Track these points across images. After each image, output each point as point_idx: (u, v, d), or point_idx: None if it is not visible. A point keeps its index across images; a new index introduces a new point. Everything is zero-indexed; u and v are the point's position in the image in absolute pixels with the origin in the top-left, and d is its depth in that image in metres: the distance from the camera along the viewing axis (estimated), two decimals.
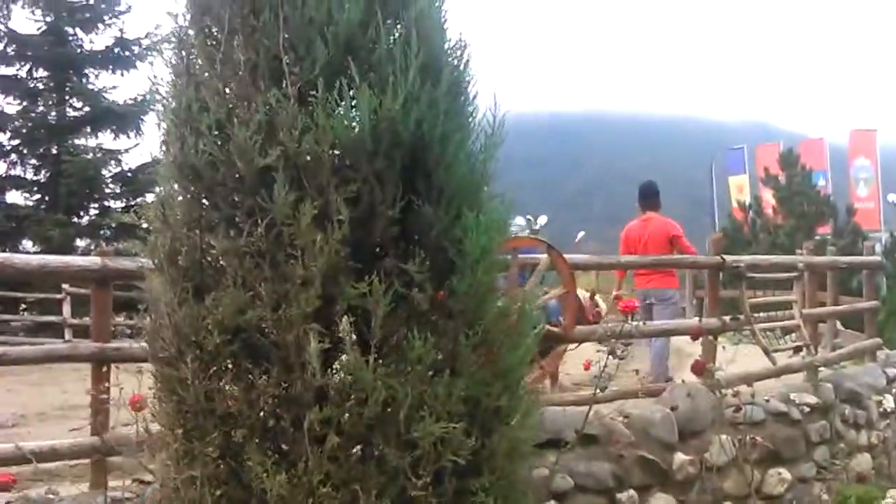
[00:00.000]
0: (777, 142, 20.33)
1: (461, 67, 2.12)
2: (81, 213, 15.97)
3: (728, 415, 5.91)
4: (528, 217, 17.01)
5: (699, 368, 5.91)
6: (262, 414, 1.91)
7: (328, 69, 1.88)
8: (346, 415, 1.88)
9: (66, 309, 13.07)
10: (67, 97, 16.25)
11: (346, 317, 1.85)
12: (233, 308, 1.91)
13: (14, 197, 16.21)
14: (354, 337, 1.87)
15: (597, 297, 9.26)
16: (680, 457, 5.71)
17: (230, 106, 1.94)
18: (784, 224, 15.07)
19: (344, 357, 1.85)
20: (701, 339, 6.57)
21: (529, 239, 5.78)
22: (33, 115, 16.19)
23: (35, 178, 16.33)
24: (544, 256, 5.86)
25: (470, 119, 2.12)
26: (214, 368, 1.92)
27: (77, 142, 16.34)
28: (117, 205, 16.42)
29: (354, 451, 1.91)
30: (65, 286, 13.20)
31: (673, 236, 7.23)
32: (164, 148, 2.07)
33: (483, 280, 2.01)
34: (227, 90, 1.96)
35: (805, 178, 15.69)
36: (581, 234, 15.97)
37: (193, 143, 1.93)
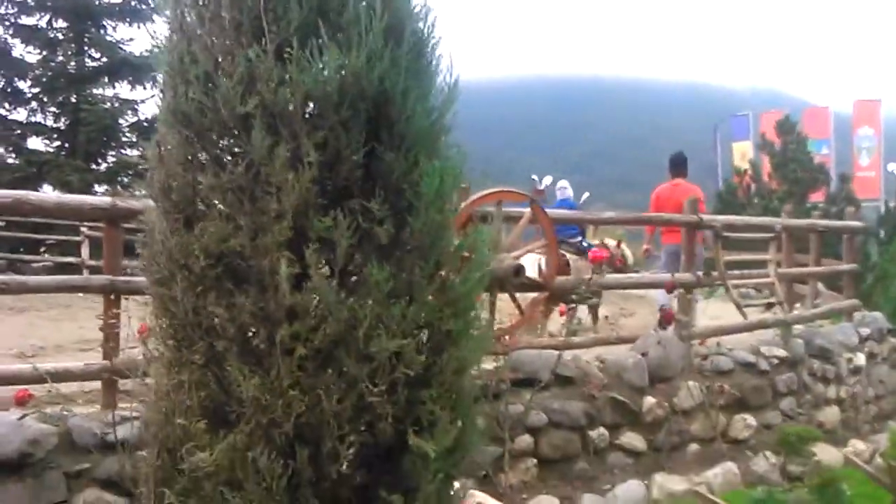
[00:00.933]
0: (783, 109, 20.41)
1: (425, 30, 2.38)
2: (99, 161, 16.36)
3: (697, 363, 6.25)
4: (534, 177, 17.20)
5: (668, 318, 6.24)
6: (240, 328, 2.21)
7: (302, 29, 2.16)
8: (312, 331, 2.19)
9: (85, 251, 13.49)
10: (86, 47, 16.55)
11: (313, 246, 2.14)
12: (217, 237, 2.21)
13: (35, 143, 16.62)
14: (321, 265, 2.17)
15: (622, 245, 9.82)
16: (650, 400, 6.08)
17: (216, 59, 2.22)
18: (777, 190, 15.29)
19: (311, 282, 2.15)
20: (675, 292, 6.89)
21: (512, 193, 6.04)
22: (53, 64, 16.49)
23: (55, 125, 16.71)
24: (527, 210, 6.15)
25: (432, 78, 2.39)
26: (200, 288, 2.22)
27: (95, 91, 16.64)
28: (134, 153, 16.78)
29: (319, 361, 2.22)
30: (83, 229, 13.61)
31: (696, 199, 7.91)
32: (161, 95, 2.36)
33: (437, 218, 2.31)
34: (214, 45, 2.23)
35: (800, 145, 15.85)
36: (586, 194, 16.23)
37: (184, 92, 2.22)
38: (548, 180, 16.61)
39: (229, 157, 2.23)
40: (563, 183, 10.48)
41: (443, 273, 2.38)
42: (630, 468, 6.00)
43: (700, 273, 7.18)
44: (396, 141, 2.29)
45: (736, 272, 8.03)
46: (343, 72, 2.17)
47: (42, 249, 15.66)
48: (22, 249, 14.95)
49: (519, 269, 5.71)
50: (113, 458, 4.14)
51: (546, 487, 5.48)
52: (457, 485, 2.55)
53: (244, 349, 2.25)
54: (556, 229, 9.29)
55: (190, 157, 2.31)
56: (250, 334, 2.24)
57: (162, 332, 2.38)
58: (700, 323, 7.01)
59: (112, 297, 4.45)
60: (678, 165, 8.94)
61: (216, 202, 2.25)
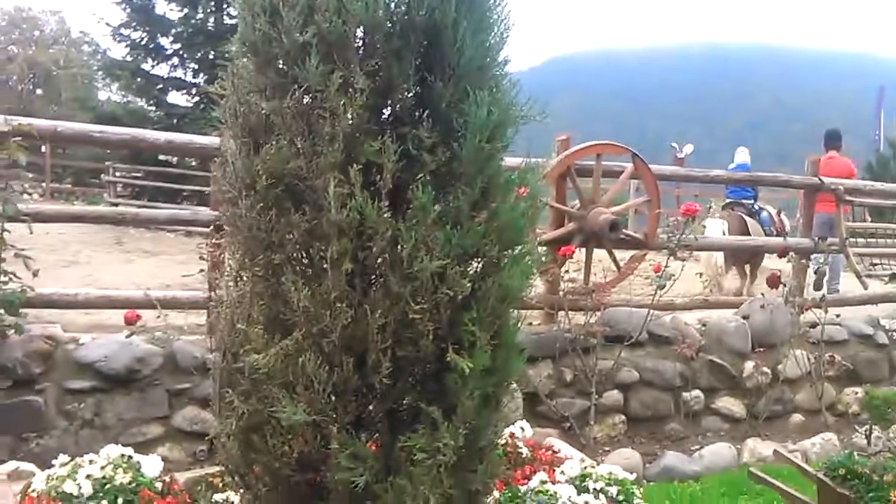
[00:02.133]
0: None
1: None
2: None
3: (806, 331, 6.04)
4: (674, 145, 16.82)
5: (774, 281, 6.05)
6: (296, 243, 2.38)
7: None
8: (359, 248, 2.33)
9: None
10: (224, 5, 17.28)
11: (358, 167, 2.28)
12: (279, 158, 2.38)
13: (175, 97, 17.63)
14: (368, 186, 2.31)
15: (782, 214, 9.97)
16: (751, 365, 5.93)
17: None
18: None
19: (356, 201, 2.29)
20: (788, 257, 6.66)
21: (614, 146, 5.99)
22: (193, 21, 17.38)
23: (194, 80, 17.62)
24: (629, 165, 6.09)
25: (485, 13, 2.47)
26: (262, 206, 2.40)
27: (232, 48, 17.41)
28: None
29: (365, 277, 2.37)
30: None
31: (850, 171, 8.73)
32: (237, 27, 2.55)
33: (484, 147, 2.39)
34: None
35: None
36: (690, 147, 15.82)
37: (252, 23, 2.39)
38: (688, 149, 16.23)
39: (290, 84, 2.39)
40: (741, 149, 10.72)
41: (490, 202, 2.47)
42: (726, 433, 5.92)
43: (818, 238, 6.91)
44: (446, 71, 2.39)
45: (861, 240, 7.65)
46: (395, 3, 2.28)
47: (179, 200, 16.71)
48: (163, 199, 15.99)
49: (615, 224, 5.69)
50: (211, 381, 4.49)
51: (633, 444, 5.49)
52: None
53: (299, 263, 2.42)
54: (733, 191, 9.62)
55: (257, 85, 2.49)
56: (303, 249, 2.40)
57: (231, 247, 2.60)
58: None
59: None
60: (832, 140, 9.50)
61: (279, 126, 2.42)
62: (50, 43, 39.54)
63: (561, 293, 5.59)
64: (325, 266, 2.34)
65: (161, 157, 17.66)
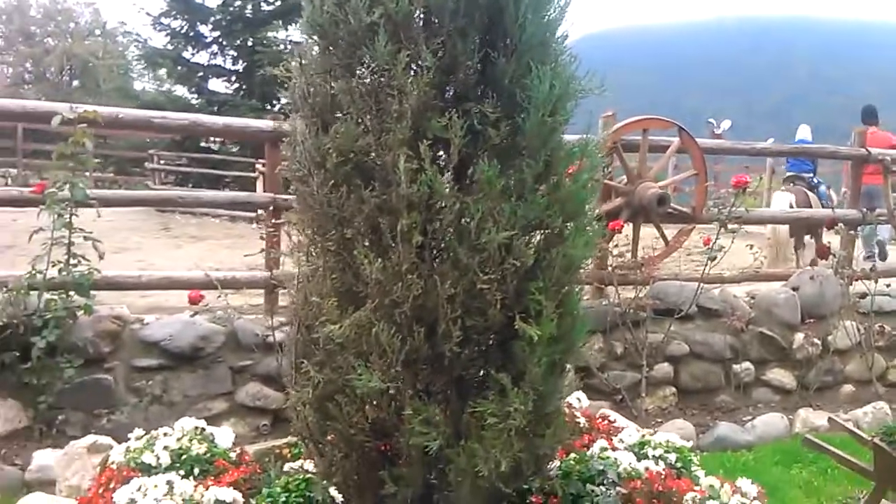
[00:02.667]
0: None
1: None
2: (273, 101, 17.31)
3: (856, 302, 6.02)
4: (711, 120, 16.64)
5: (824, 252, 6.03)
6: (367, 218, 2.47)
7: None
8: (428, 221, 2.42)
9: (260, 186, 14.52)
10: None
11: (427, 143, 2.35)
12: (348, 137, 2.46)
13: (215, 84, 17.84)
14: (434, 160, 2.38)
15: (830, 189, 10.07)
16: (801, 337, 5.93)
17: None
18: None
19: (425, 176, 2.36)
20: (836, 228, 6.63)
21: (660, 120, 5.99)
22: (232, 8, 17.53)
23: (233, 67, 17.82)
24: (676, 139, 6.08)
25: None
26: (333, 183, 2.49)
27: (269, 34, 17.61)
28: None
29: (435, 250, 2.45)
30: (258, 166, 14.69)
31: (891, 144, 8.88)
32: (303, 10, 2.63)
33: (547, 121, 2.45)
34: None
35: None
36: (728, 122, 15.67)
37: (319, 4, 2.47)
38: (726, 125, 16.07)
39: (358, 64, 2.47)
40: (803, 126, 10.90)
41: (553, 174, 2.53)
42: (776, 405, 5.94)
43: (866, 209, 6.86)
44: (509, 47, 2.45)
45: None
46: None
47: (222, 186, 16.95)
48: (205, 185, 16.24)
49: (663, 199, 5.71)
50: (271, 358, 4.65)
51: (684, 416, 5.53)
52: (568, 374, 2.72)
53: (370, 237, 2.51)
54: (793, 164, 9.74)
55: (324, 66, 2.57)
56: (374, 223, 2.49)
57: (302, 223, 2.69)
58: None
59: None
60: (869, 116, 9.93)
61: (347, 105, 2.50)
62: (85, 34, 40.12)
63: (609, 268, 5.63)
64: (395, 239, 2.43)
65: (203, 144, 17.97)
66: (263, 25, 17.43)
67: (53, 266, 4.31)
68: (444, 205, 2.40)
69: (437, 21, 2.41)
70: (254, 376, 4.70)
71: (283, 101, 17.32)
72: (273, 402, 4.67)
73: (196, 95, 17.46)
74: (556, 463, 2.98)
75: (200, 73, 17.75)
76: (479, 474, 2.44)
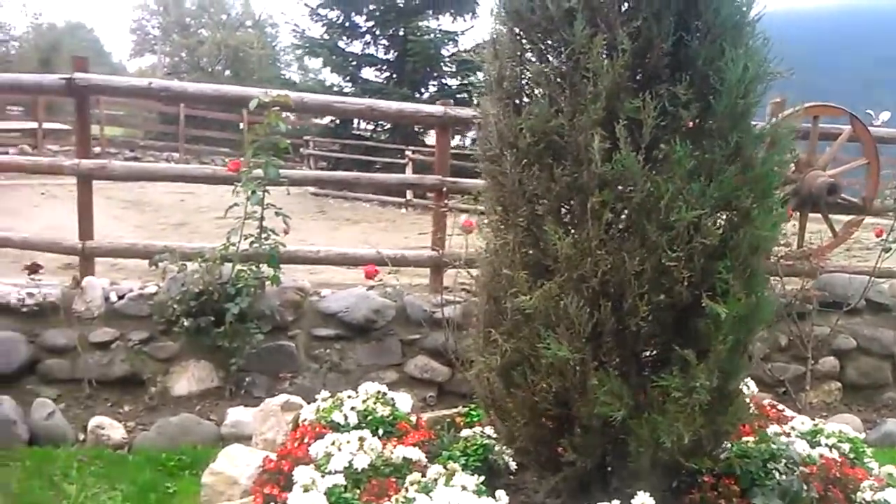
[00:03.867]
0: None
1: None
2: (423, 89, 17.70)
3: None
4: (869, 111, 15.73)
5: None
6: (557, 195, 2.59)
7: None
8: (619, 199, 2.51)
9: (409, 171, 14.96)
10: None
11: (622, 122, 2.44)
12: (541, 118, 2.58)
13: (368, 73, 18.41)
14: (628, 140, 2.47)
15: None
16: None
17: None
18: None
19: (619, 155, 2.45)
20: None
21: (831, 107, 5.79)
22: None
23: (385, 56, 18.34)
24: (847, 127, 5.86)
25: None
26: (525, 161, 2.62)
27: (421, 23, 18.02)
28: (453, 82, 17.97)
29: (624, 227, 2.54)
30: (408, 152, 15.16)
31: None
32: None
33: (738, 103, 2.49)
34: None
35: None
36: (884, 113, 14.72)
37: None
38: (885, 116, 15.16)
39: (552, 48, 2.59)
40: None
41: (742, 155, 2.56)
42: None
43: None
44: (703, 30, 2.50)
45: None
46: None
47: (373, 171, 17.54)
48: (353, 170, 16.85)
49: (833, 188, 5.52)
50: (438, 333, 4.86)
51: (849, 411, 5.37)
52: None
53: (559, 213, 2.63)
54: None
55: (518, 51, 2.70)
56: (564, 201, 2.60)
57: (491, 201, 2.84)
58: None
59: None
60: None
61: (540, 88, 2.62)
62: (237, 25, 42.14)
63: (774, 258, 5.50)
64: (584, 216, 2.53)
65: (354, 132, 18.63)
66: (415, 15, 17.85)
67: (245, 239, 4.66)
68: (634, 183, 2.48)
69: (633, 5, 2.49)
70: (422, 350, 4.93)
71: (433, 89, 17.79)
72: (439, 375, 4.89)
73: (350, 84, 18.09)
74: (728, 444, 3.01)
75: (354, 62, 18.37)
76: (662, 445, 2.51)
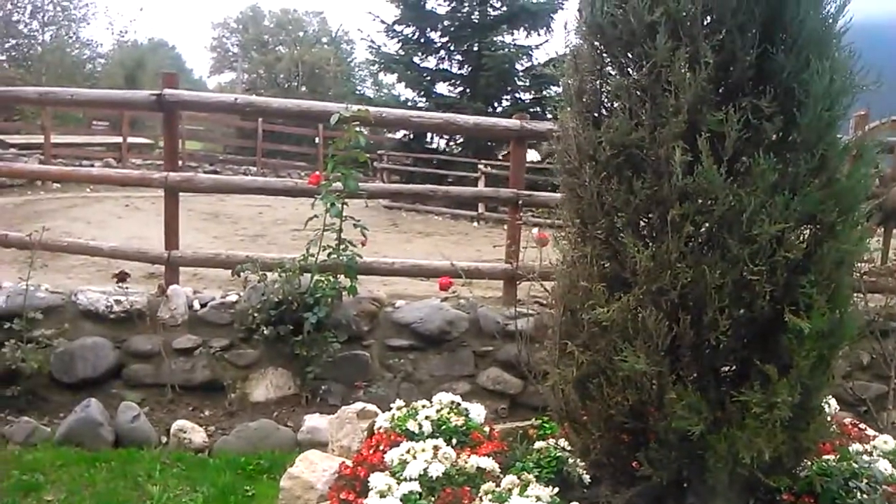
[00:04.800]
0: None
1: None
2: (496, 104, 17.78)
3: None
4: None
5: None
6: (636, 208, 2.59)
7: None
8: (700, 212, 2.50)
9: (481, 184, 15.04)
10: None
11: (705, 137, 2.44)
12: (621, 131, 2.60)
13: (441, 88, 18.61)
14: (710, 153, 2.46)
15: None
16: None
17: None
18: None
19: (701, 168, 2.45)
20: None
21: None
22: (460, 14, 18.23)
23: (459, 71, 18.52)
24: None
25: None
26: (604, 174, 2.63)
27: (495, 38, 18.16)
28: (526, 97, 18.01)
29: (704, 240, 2.53)
30: (480, 166, 15.24)
31: None
32: (578, 13, 2.79)
33: (824, 116, 2.46)
34: None
35: None
36: None
37: (600, 7, 2.62)
38: None
39: (633, 62, 2.60)
40: None
41: (827, 169, 2.53)
42: None
43: None
44: (788, 42, 2.48)
45: None
46: None
47: (445, 184, 17.69)
48: (426, 184, 17.02)
49: None
50: (511, 345, 4.88)
51: None
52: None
53: (638, 226, 2.63)
54: None
55: (598, 65, 2.72)
56: (644, 214, 2.60)
57: (569, 213, 2.86)
58: None
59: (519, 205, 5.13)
60: None
61: (620, 101, 2.63)
62: (313, 42, 43.04)
63: (857, 274, 5.36)
64: (665, 228, 2.53)
65: (428, 146, 18.81)
66: (490, 30, 17.99)
67: (323, 250, 4.78)
68: (716, 197, 2.47)
69: (716, 18, 2.49)
70: (494, 361, 4.96)
71: (506, 103, 17.86)
72: (511, 387, 4.90)
73: (424, 99, 18.30)
74: (808, 462, 2.95)
75: (428, 77, 18.59)
76: (741, 461, 2.48)
